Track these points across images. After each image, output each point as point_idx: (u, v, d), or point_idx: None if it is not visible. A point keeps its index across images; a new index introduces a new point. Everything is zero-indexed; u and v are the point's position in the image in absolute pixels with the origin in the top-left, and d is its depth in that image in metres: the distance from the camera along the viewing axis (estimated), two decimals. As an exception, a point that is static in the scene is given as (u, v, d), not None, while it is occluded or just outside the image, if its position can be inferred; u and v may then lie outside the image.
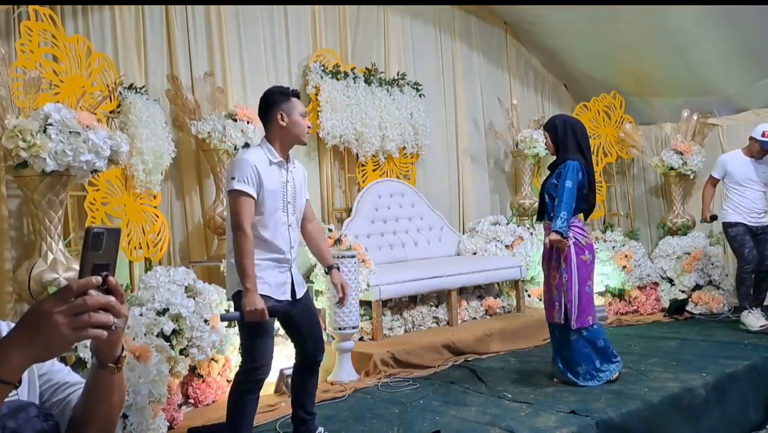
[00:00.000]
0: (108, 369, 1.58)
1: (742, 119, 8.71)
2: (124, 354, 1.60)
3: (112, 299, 1.42)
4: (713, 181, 7.64)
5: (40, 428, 1.56)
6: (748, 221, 7.24)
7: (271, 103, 4.08)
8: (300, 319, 4.17)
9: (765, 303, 7.39)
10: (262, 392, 4.06)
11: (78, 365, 4.14)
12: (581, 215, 5.32)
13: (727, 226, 7.35)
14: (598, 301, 8.13)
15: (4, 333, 1.71)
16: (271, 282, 3.96)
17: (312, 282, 6.24)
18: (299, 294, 4.15)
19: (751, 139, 7.30)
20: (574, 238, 5.18)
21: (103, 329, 1.40)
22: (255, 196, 3.86)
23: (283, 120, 4.02)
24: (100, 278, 1.42)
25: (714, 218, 7.53)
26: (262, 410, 4.34)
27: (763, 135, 7.19)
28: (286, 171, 4.06)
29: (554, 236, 5.09)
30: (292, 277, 4.11)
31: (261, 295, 3.84)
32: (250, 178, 3.85)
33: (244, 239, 3.80)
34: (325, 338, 6.05)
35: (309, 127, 4.14)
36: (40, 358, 1.41)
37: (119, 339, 1.54)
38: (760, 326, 7.01)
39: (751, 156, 7.35)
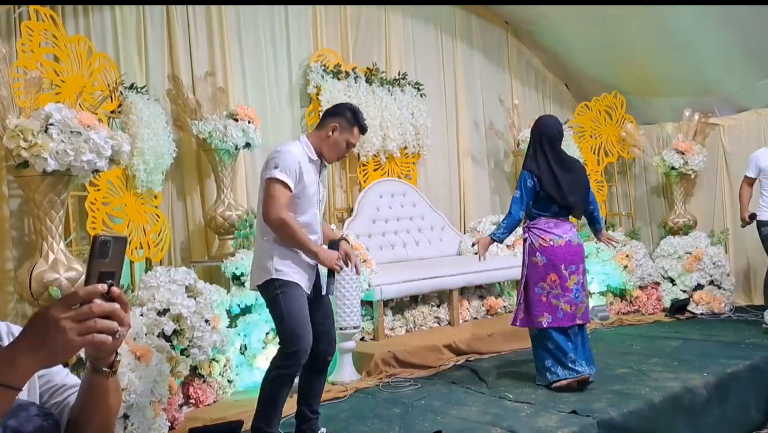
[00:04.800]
0: (102, 373, 1.59)
1: (744, 119, 8.71)
2: (118, 358, 1.60)
3: (117, 306, 1.42)
4: (749, 181, 7.36)
5: (39, 425, 1.57)
6: None
7: (339, 113, 4.17)
8: (318, 317, 4.19)
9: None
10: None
11: (79, 365, 4.13)
12: (549, 216, 5.27)
13: (760, 224, 7.16)
14: (599, 300, 8.15)
15: (3, 334, 1.71)
16: (299, 271, 4.04)
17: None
18: (324, 290, 4.22)
19: None
20: (530, 240, 5.28)
21: (107, 335, 1.40)
22: (292, 189, 3.92)
23: (333, 132, 4.09)
24: (105, 287, 1.42)
25: (753, 216, 7.23)
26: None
27: None
28: (318, 172, 4.15)
29: (479, 237, 5.63)
30: (318, 273, 4.19)
31: (290, 281, 3.99)
32: (292, 171, 3.91)
33: (289, 218, 3.91)
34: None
35: (342, 157, 4.30)
36: (46, 364, 1.41)
37: (118, 346, 1.54)
38: None
39: None
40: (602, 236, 5.64)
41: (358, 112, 4.23)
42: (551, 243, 5.18)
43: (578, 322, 5.19)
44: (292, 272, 4.01)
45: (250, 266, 4.37)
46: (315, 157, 4.09)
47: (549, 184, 5.17)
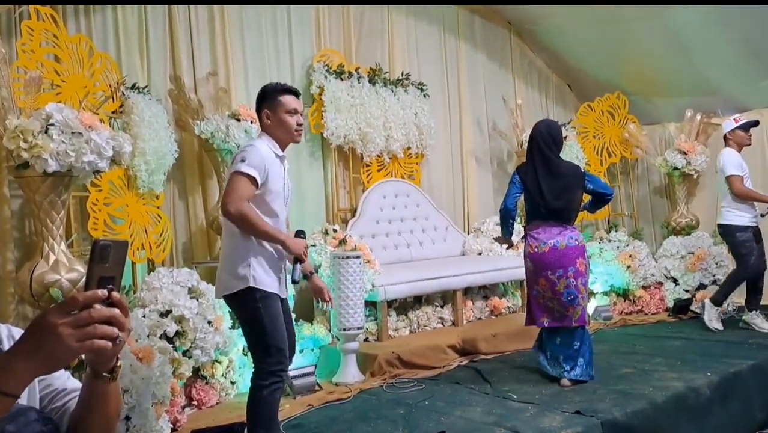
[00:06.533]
0: (103, 379, 1.57)
1: (746, 119, 8.67)
2: (119, 364, 1.59)
3: (117, 311, 1.41)
4: (742, 180, 7.10)
5: (38, 430, 1.55)
6: (753, 222, 7.08)
7: (260, 100, 4.06)
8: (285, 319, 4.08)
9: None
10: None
11: (81, 367, 4.12)
12: (539, 220, 5.41)
13: (736, 229, 7.08)
14: (602, 301, 8.16)
15: (4, 337, 1.70)
16: (275, 278, 3.91)
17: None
18: (283, 294, 4.08)
19: (732, 132, 7.21)
20: (525, 244, 5.52)
21: (107, 341, 1.39)
22: (258, 185, 3.79)
23: (268, 119, 3.99)
24: (106, 292, 1.40)
25: None
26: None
27: (736, 121, 7.25)
28: (284, 168, 4.03)
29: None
30: (285, 276, 4.08)
31: (270, 292, 3.84)
32: (260, 166, 3.77)
33: (249, 209, 3.74)
34: (329, 339, 6.09)
35: (299, 125, 4.05)
36: (44, 370, 1.40)
37: (118, 352, 1.52)
38: (715, 328, 7.09)
39: (739, 151, 7.20)
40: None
41: (275, 84, 4.14)
42: (536, 250, 5.35)
43: (574, 324, 5.28)
44: (270, 280, 3.86)
45: (218, 270, 4.05)
46: (280, 153, 3.98)
47: (532, 188, 5.36)
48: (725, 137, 7.28)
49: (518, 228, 6.94)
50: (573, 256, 5.28)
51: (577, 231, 5.40)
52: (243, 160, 3.75)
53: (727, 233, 7.22)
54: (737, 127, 7.18)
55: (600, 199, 5.55)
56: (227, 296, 3.91)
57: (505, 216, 5.54)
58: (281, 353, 3.86)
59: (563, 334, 5.34)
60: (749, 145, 7.31)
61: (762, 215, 7.13)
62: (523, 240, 5.56)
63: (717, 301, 7.26)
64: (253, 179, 3.75)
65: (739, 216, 7.07)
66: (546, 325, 5.37)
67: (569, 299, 5.23)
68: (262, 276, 3.82)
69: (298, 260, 3.94)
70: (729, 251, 7.44)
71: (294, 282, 3.99)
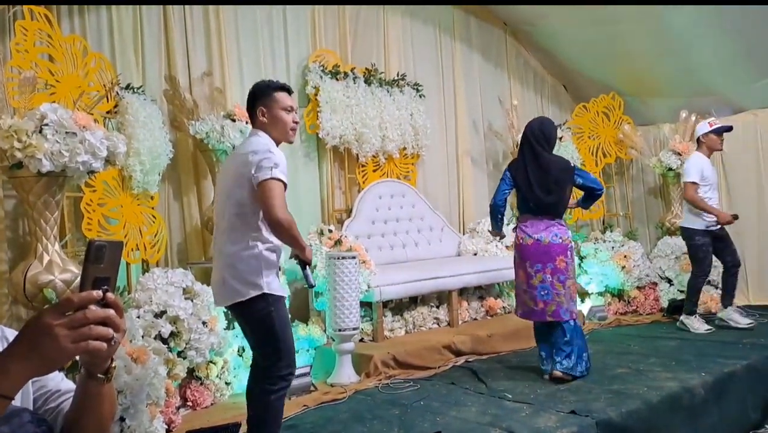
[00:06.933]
0: (97, 379, 1.57)
1: (740, 120, 8.68)
2: (113, 365, 1.58)
3: (112, 312, 1.40)
4: (697, 188, 7.06)
5: (32, 431, 1.54)
6: (713, 226, 7.08)
7: (252, 97, 4.01)
8: None
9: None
10: None
11: (75, 368, 4.10)
12: (528, 214, 5.54)
13: (695, 233, 7.12)
14: (597, 301, 8.18)
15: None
16: (279, 281, 3.87)
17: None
18: (309, 283, 4.01)
19: (705, 136, 7.17)
20: (514, 237, 5.64)
21: (102, 342, 1.38)
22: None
23: (263, 116, 3.92)
24: (101, 293, 1.40)
25: (736, 216, 7.06)
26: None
27: (711, 125, 7.20)
28: None
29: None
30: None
31: (280, 296, 3.80)
32: (285, 172, 3.69)
33: (292, 220, 3.66)
34: (325, 339, 6.08)
35: (295, 123, 3.99)
36: (39, 372, 1.39)
37: (113, 353, 1.51)
38: (706, 330, 7.11)
39: (709, 155, 7.23)
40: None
41: (267, 82, 4.10)
42: (521, 241, 5.50)
43: (548, 319, 5.40)
44: (278, 284, 3.80)
45: (220, 279, 3.84)
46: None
47: (522, 183, 5.49)
48: (698, 140, 7.28)
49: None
50: (554, 253, 5.37)
51: (564, 228, 5.47)
52: (277, 166, 3.64)
53: (687, 235, 7.27)
54: (711, 131, 7.17)
55: (590, 194, 5.66)
56: (237, 304, 3.78)
57: (493, 212, 5.68)
58: (291, 357, 3.81)
59: (555, 330, 5.39)
60: (720, 150, 7.36)
61: (722, 224, 7.13)
62: (514, 232, 5.68)
63: (691, 312, 7.30)
64: (285, 186, 3.67)
65: (700, 220, 7.09)
66: (519, 316, 5.61)
67: (542, 294, 5.35)
68: (272, 281, 3.76)
69: (307, 264, 3.90)
70: (687, 254, 7.42)
71: (311, 287, 3.95)
